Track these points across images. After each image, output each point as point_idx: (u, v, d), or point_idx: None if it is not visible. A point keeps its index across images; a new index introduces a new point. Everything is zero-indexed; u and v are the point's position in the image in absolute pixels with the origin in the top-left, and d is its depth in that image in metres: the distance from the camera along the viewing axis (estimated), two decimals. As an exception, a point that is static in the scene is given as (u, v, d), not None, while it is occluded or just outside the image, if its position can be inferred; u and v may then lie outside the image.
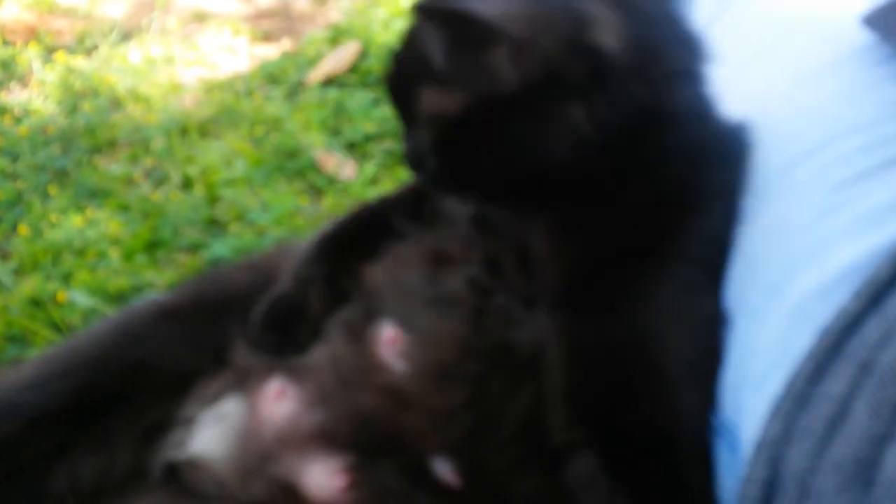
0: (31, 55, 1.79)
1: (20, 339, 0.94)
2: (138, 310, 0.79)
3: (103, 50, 1.88)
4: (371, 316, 0.71)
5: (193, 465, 0.70)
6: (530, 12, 0.51)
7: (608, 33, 0.51)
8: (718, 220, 0.56)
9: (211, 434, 0.71)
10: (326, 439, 0.67)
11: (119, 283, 1.00)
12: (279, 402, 0.70)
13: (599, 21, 0.51)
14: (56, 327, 0.94)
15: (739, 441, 0.49)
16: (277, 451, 0.68)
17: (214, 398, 0.71)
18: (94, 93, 1.63)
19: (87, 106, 1.56)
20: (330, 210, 1.19)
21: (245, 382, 0.72)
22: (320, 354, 0.71)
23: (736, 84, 0.70)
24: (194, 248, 1.12)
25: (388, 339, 0.68)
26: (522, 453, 0.59)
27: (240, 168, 1.30)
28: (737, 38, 0.77)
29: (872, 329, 0.40)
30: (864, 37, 0.59)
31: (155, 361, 0.72)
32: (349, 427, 0.66)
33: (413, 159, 0.59)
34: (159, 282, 1.01)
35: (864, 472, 0.36)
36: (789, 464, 0.42)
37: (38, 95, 1.64)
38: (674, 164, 0.55)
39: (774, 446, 0.43)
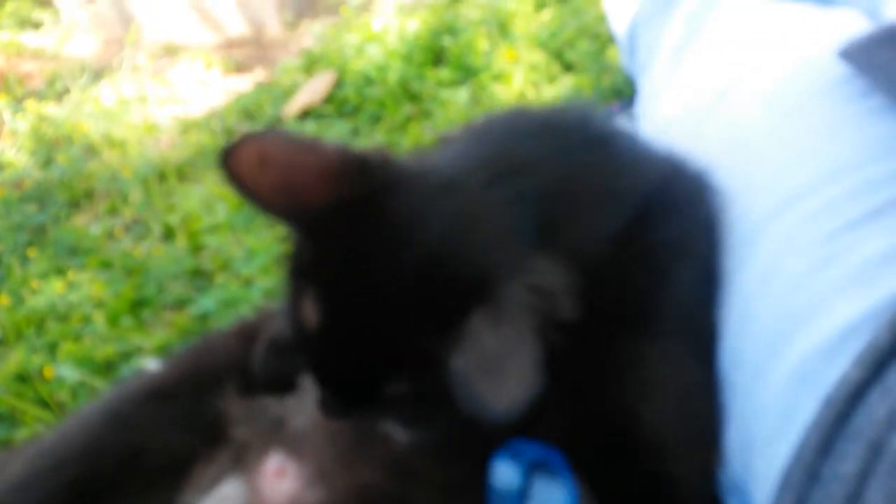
0: (0, 105, 1.76)
1: (8, 418, 0.92)
2: (127, 390, 0.77)
3: (74, 93, 1.86)
4: None
5: None
6: None
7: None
8: (686, 281, 0.55)
9: (212, 522, 0.69)
10: None
11: (106, 350, 0.98)
12: (279, 480, 0.69)
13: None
14: (44, 404, 0.92)
15: (752, 502, 0.49)
16: None
17: (213, 482, 0.70)
18: (67, 141, 1.61)
19: (61, 157, 1.53)
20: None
21: (244, 460, 0.71)
22: (317, 428, 0.69)
23: (714, 112, 0.69)
24: (181, 304, 1.11)
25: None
26: None
27: (221, 213, 1.28)
28: (711, 64, 0.76)
29: (877, 403, 0.39)
30: (841, 69, 0.58)
31: (149, 446, 0.70)
32: (352, 495, 0.65)
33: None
34: (147, 345, 1.00)
35: None
36: None
37: (10, 147, 1.61)
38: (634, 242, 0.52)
39: None
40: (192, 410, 0.72)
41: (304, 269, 0.47)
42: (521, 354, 0.42)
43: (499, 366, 0.42)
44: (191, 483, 0.71)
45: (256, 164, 0.45)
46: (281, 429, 0.71)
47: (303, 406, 0.71)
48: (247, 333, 0.79)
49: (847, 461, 0.40)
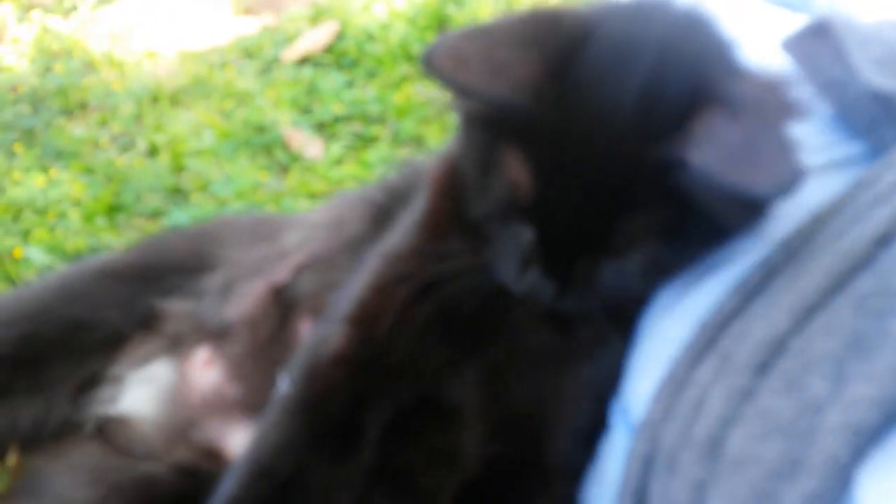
0: (5, 11, 1.78)
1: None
2: (82, 267, 0.82)
3: (82, 12, 1.88)
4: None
5: (122, 422, 0.74)
6: None
7: None
8: None
9: (140, 394, 0.74)
10: (249, 409, 0.71)
11: (77, 242, 1.02)
12: (207, 369, 0.74)
13: None
14: (11, 282, 0.96)
15: (631, 419, 0.54)
16: (203, 417, 0.72)
17: (145, 359, 0.75)
18: (68, 54, 1.63)
19: (59, 67, 1.56)
20: (293, 187, 1.22)
21: (176, 348, 0.75)
22: (241, 323, 0.74)
23: None
24: (155, 215, 1.15)
25: (307, 326, 0.71)
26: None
27: (207, 140, 1.32)
28: None
29: (737, 325, 0.45)
30: (785, 60, 0.63)
31: (93, 318, 0.75)
32: (268, 400, 0.69)
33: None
34: (117, 245, 1.03)
35: (714, 448, 0.41)
36: (663, 442, 0.47)
37: (11, 53, 1.64)
38: None
39: (654, 426, 0.48)
40: (135, 295, 0.77)
41: (511, 136, 0.48)
42: (772, 141, 0.43)
43: (750, 154, 0.42)
44: (122, 358, 0.75)
45: (457, 59, 0.47)
46: (212, 326, 0.75)
47: (233, 305, 0.75)
48: (198, 238, 0.84)
49: (705, 370, 0.45)
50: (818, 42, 0.56)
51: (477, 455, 0.58)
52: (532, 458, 0.58)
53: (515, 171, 0.48)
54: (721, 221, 0.47)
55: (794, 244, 0.45)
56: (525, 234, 0.49)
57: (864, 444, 0.34)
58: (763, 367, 0.40)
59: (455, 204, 0.59)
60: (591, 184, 0.46)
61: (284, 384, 0.61)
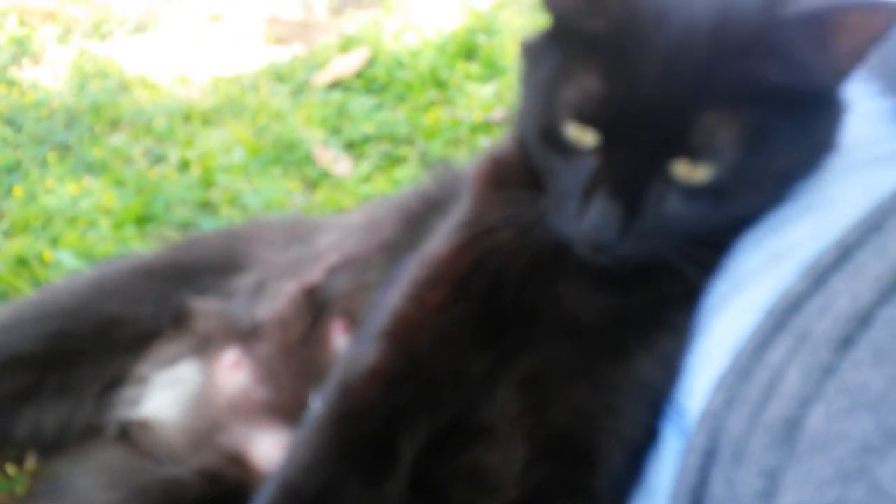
0: (45, 35, 1.83)
1: (3, 296, 0.95)
2: (115, 264, 0.80)
3: (118, 37, 1.92)
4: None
5: (146, 425, 0.71)
6: None
7: None
8: None
9: (165, 397, 0.72)
10: (277, 412, 0.68)
11: (106, 249, 1.01)
12: (234, 372, 0.71)
13: None
14: (40, 285, 0.95)
15: (686, 421, 0.51)
16: (229, 421, 0.69)
17: (172, 360, 0.73)
18: (103, 74, 1.66)
19: (94, 86, 1.58)
20: (321, 202, 1.21)
21: (204, 348, 0.73)
22: (272, 323, 0.71)
23: None
24: (184, 226, 1.14)
25: (339, 328, 0.69)
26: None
27: (238, 156, 1.32)
28: None
29: (813, 304, 0.42)
30: None
31: (125, 314, 0.73)
32: (297, 403, 0.66)
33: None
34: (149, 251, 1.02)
35: (790, 430, 0.37)
36: (728, 432, 0.43)
37: (48, 73, 1.67)
38: None
39: (717, 417, 0.45)
40: (167, 294, 0.75)
41: (586, 47, 0.48)
42: None
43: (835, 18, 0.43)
44: (149, 357, 0.73)
45: None
46: (242, 326, 0.73)
47: (264, 305, 0.73)
48: (232, 237, 0.83)
49: (777, 352, 0.42)
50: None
51: (519, 478, 0.54)
52: (580, 482, 0.52)
53: (588, 77, 0.47)
54: (801, 107, 0.46)
55: (877, 219, 0.43)
56: (589, 162, 0.48)
57: None
58: (847, 341, 0.37)
59: (498, 193, 0.58)
60: (667, 72, 0.45)
61: (317, 403, 0.58)
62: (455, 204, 0.64)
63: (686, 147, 0.45)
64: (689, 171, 0.46)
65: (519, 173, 0.56)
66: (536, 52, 0.55)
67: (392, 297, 0.60)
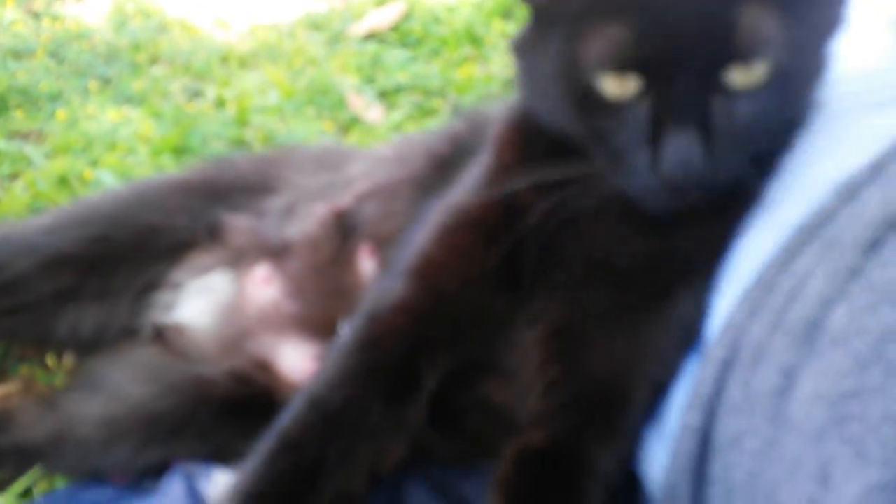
0: (88, -25, 1.85)
1: (44, 211, 0.98)
2: (155, 179, 0.83)
3: (159, -19, 1.95)
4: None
5: (179, 329, 0.75)
6: None
7: None
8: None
9: (198, 303, 0.75)
10: (304, 326, 0.71)
11: (144, 172, 1.04)
12: (265, 286, 0.74)
13: None
14: (79, 202, 0.98)
15: (704, 343, 0.52)
16: (258, 330, 0.72)
17: (206, 269, 0.76)
18: (144, 14, 1.68)
19: (135, 24, 1.61)
20: (352, 145, 1.23)
21: (237, 262, 0.76)
22: (302, 243, 0.74)
23: None
24: (219, 159, 1.16)
25: (366, 251, 0.71)
26: None
27: (273, 97, 1.34)
28: None
29: (844, 215, 0.43)
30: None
31: (162, 224, 0.76)
32: (323, 319, 0.69)
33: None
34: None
35: (812, 330, 0.38)
36: (749, 339, 0.44)
37: (90, 10, 1.69)
38: None
39: (738, 328, 0.46)
40: (202, 208, 0.78)
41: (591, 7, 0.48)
42: None
43: None
44: (184, 265, 0.76)
45: None
46: (273, 244, 0.76)
47: (295, 226, 0.76)
48: (264, 162, 0.85)
49: (803, 260, 0.43)
50: None
51: (545, 421, 0.55)
52: (609, 425, 0.54)
53: (611, 27, 0.47)
54: None
55: None
56: (641, 109, 0.47)
57: None
58: (874, 244, 0.38)
59: (522, 155, 0.59)
60: None
61: (346, 329, 0.60)
62: (481, 149, 0.66)
63: (736, 51, 0.45)
64: (746, 76, 0.46)
65: (538, 137, 0.57)
66: (531, 42, 0.54)
67: (420, 238, 0.62)
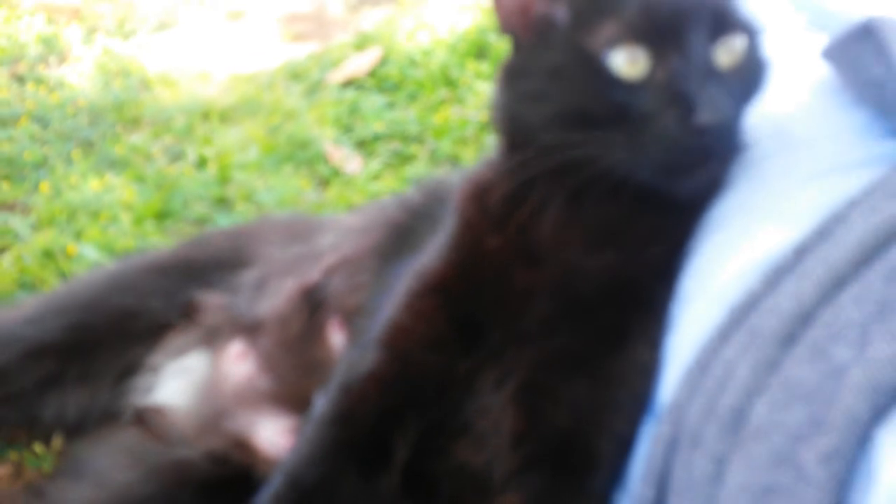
0: (72, 34, 1.89)
1: (30, 286, 1.01)
2: (130, 261, 0.86)
3: (141, 36, 1.98)
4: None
5: (158, 411, 0.77)
6: None
7: None
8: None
9: (175, 384, 0.77)
10: (279, 401, 0.73)
11: (126, 243, 1.06)
12: (240, 362, 0.76)
13: None
14: (64, 277, 1.01)
15: (658, 410, 0.54)
16: (234, 407, 0.74)
17: (182, 350, 0.78)
18: (126, 73, 1.72)
19: (117, 84, 1.64)
20: (332, 200, 1.25)
21: (211, 340, 0.78)
22: (273, 319, 0.76)
23: None
24: (201, 221, 1.19)
25: (335, 325, 0.73)
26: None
27: (253, 153, 1.37)
28: None
29: (766, 304, 0.45)
30: (824, 69, 0.64)
31: (139, 307, 0.79)
32: (297, 393, 0.71)
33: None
34: (163, 247, 1.08)
35: (737, 419, 0.41)
36: (688, 421, 0.47)
37: (73, 71, 1.73)
38: None
39: (679, 408, 0.48)
40: (178, 287, 0.81)
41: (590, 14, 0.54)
42: None
43: None
44: (161, 348, 0.79)
45: None
46: (246, 320, 0.78)
47: (266, 302, 0.78)
48: (239, 236, 0.87)
49: (732, 347, 0.45)
50: (860, 45, 0.56)
51: (516, 481, 0.56)
52: (579, 482, 0.55)
53: (613, 17, 0.53)
54: None
55: (828, 226, 0.46)
56: (655, 80, 0.52)
57: (884, 402, 0.34)
58: (790, 339, 0.40)
59: (484, 211, 0.61)
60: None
61: (320, 401, 0.62)
62: (440, 213, 0.68)
63: (728, 23, 0.53)
64: (731, 54, 0.54)
65: (501, 190, 0.60)
66: (520, 65, 0.59)
67: (388, 306, 0.64)
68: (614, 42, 0.52)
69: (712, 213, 0.58)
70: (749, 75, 0.56)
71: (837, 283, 0.40)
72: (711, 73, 0.53)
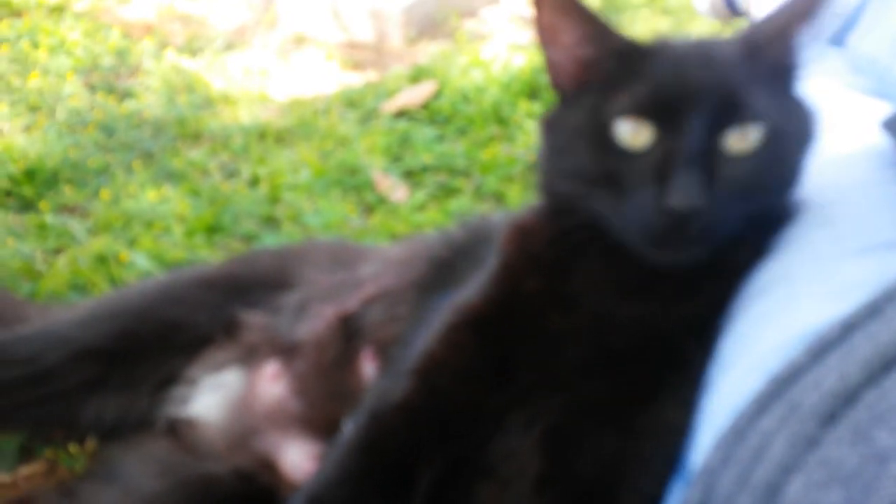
0: (143, 49, 1.98)
1: (82, 288, 1.05)
2: (180, 274, 0.88)
3: (207, 54, 2.07)
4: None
5: (191, 423, 0.78)
6: None
7: None
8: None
9: (210, 399, 0.79)
10: (307, 425, 0.74)
11: (177, 254, 1.10)
12: (273, 383, 0.77)
13: None
14: (115, 283, 1.05)
15: (688, 473, 0.53)
16: (264, 427, 0.75)
17: (219, 366, 0.80)
18: (190, 89, 1.79)
19: (182, 100, 1.71)
20: (376, 227, 1.28)
21: (249, 358, 0.80)
22: (310, 343, 0.77)
23: None
24: (249, 238, 1.22)
25: (368, 356, 0.74)
26: None
27: (304, 176, 1.41)
28: None
29: (809, 378, 0.44)
30: (883, 139, 0.63)
31: (185, 320, 0.81)
32: (325, 419, 0.72)
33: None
34: (212, 261, 1.11)
35: (772, 494, 0.40)
36: (720, 489, 0.46)
37: (141, 84, 1.81)
38: None
39: (712, 474, 0.47)
40: (222, 305, 0.83)
41: (613, 80, 0.57)
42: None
43: None
44: (200, 361, 0.80)
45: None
46: (284, 342, 0.79)
47: (304, 325, 0.79)
48: (285, 257, 0.90)
49: (770, 418, 0.45)
50: None
51: None
52: None
53: (632, 87, 0.55)
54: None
55: (879, 304, 0.45)
56: (653, 154, 0.53)
57: None
58: (831, 418, 0.39)
59: (526, 256, 0.63)
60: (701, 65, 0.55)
61: (349, 427, 0.63)
62: (482, 252, 0.70)
63: (736, 114, 0.53)
64: (742, 141, 0.53)
65: (543, 235, 0.61)
66: (558, 117, 0.61)
67: (424, 338, 0.65)
68: (622, 113, 0.55)
69: (756, 279, 0.57)
70: (768, 164, 0.55)
71: (885, 366, 0.39)
72: (711, 158, 0.53)
